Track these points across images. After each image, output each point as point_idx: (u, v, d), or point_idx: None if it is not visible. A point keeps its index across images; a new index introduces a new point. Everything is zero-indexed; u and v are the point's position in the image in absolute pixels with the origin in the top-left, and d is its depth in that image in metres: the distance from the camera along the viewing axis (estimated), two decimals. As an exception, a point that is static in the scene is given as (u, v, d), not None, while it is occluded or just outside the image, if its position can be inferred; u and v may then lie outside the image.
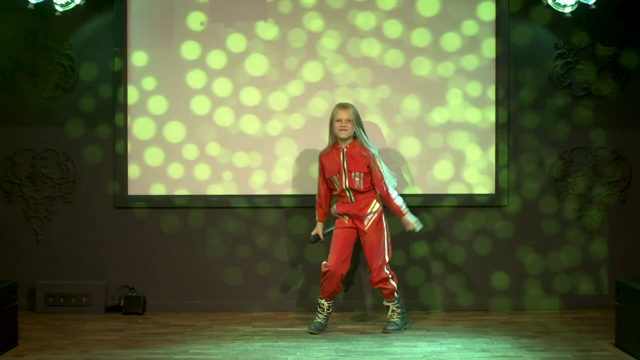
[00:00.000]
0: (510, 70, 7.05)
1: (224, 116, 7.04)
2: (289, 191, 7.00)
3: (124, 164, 7.02)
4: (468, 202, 7.08)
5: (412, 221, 6.35)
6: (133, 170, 7.04)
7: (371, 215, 6.33)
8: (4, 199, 7.06)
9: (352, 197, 6.31)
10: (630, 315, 5.69)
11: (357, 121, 6.31)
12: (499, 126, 7.05)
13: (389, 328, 6.40)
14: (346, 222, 6.36)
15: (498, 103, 7.05)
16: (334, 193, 6.42)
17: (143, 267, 7.07)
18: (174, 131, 7.03)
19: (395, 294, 6.40)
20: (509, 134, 7.07)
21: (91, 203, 7.07)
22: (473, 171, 7.09)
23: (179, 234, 7.07)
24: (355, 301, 7.02)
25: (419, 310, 7.04)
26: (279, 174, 7.02)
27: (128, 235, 7.07)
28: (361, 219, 6.32)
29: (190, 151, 7.03)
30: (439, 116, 7.06)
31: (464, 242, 7.10)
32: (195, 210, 7.05)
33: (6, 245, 7.06)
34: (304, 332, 6.39)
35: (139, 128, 7.03)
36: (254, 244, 7.08)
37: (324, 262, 6.32)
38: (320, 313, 6.41)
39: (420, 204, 7.05)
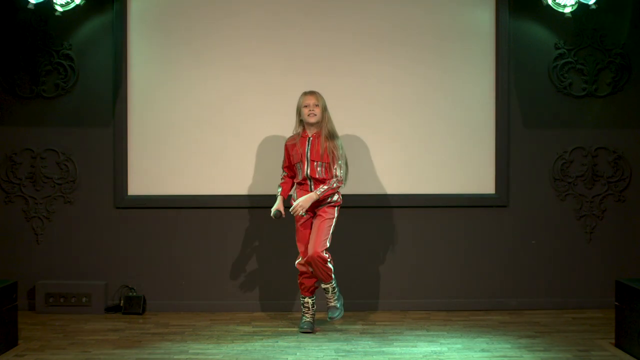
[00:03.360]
0: (510, 70, 7.05)
1: (224, 116, 7.04)
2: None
3: (124, 164, 7.02)
4: (468, 202, 7.08)
5: (298, 202, 6.19)
6: (133, 171, 7.04)
7: (325, 204, 6.29)
8: (4, 199, 7.06)
9: (312, 186, 6.29)
10: (630, 315, 5.69)
11: (324, 108, 6.31)
12: (499, 126, 7.06)
13: (335, 315, 6.33)
14: (304, 215, 6.28)
15: (498, 103, 7.05)
16: (295, 180, 6.39)
17: (143, 267, 7.07)
18: (174, 131, 7.04)
19: (333, 275, 6.25)
20: (509, 133, 7.07)
21: (91, 203, 7.07)
22: (473, 171, 7.09)
23: (178, 234, 7.07)
24: (355, 301, 7.01)
25: (419, 310, 7.05)
26: (279, 174, 7.00)
27: (128, 235, 7.07)
28: (318, 207, 6.30)
29: (190, 151, 7.04)
30: (438, 116, 7.06)
31: (463, 242, 7.10)
32: (195, 210, 7.05)
33: (6, 245, 7.06)
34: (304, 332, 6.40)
35: (139, 128, 7.03)
36: (255, 244, 7.08)
37: (297, 261, 6.34)
38: (307, 312, 6.42)
39: (420, 204, 7.06)
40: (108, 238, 7.08)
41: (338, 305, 6.36)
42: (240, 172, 7.04)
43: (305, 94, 6.34)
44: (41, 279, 7.01)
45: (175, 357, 5.71)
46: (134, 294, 7.02)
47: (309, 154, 6.28)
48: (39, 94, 7.01)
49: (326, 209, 6.29)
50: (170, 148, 7.04)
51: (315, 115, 6.26)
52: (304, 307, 6.42)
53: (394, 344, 6.06)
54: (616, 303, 5.90)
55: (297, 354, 5.82)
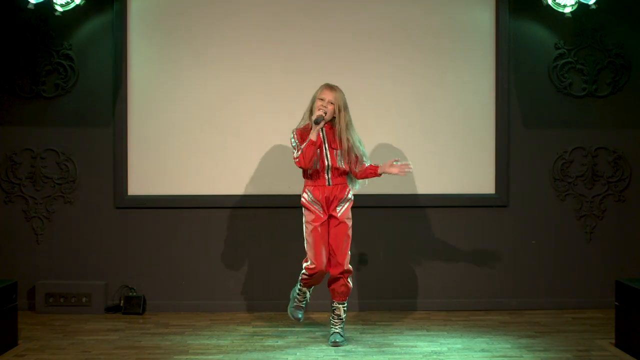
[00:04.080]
0: (510, 70, 7.05)
1: (224, 116, 7.04)
2: (289, 191, 6.98)
3: (124, 164, 7.02)
4: (468, 202, 7.08)
5: (393, 165, 6.00)
6: (133, 170, 7.04)
7: (344, 203, 6.03)
8: (4, 199, 7.06)
9: (330, 180, 5.99)
10: (630, 315, 5.69)
11: (343, 106, 5.96)
12: (499, 126, 7.06)
13: (338, 340, 5.99)
14: (320, 214, 5.96)
15: (498, 103, 7.06)
16: (304, 176, 6.07)
17: (143, 267, 7.07)
18: (174, 131, 7.04)
19: (347, 297, 6.10)
20: (509, 133, 7.07)
21: (91, 203, 7.07)
22: (473, 171, 7.09)
23: (179, 234, 7.07)
24: (355, 301, 7.01)
25: (419, 310, 7.05)
26: (279, 174, 7.01)
27: (128, 235, 7.07)
28: (335, 204, 5.98)
29: (190, 151, 7.04)
30: (439, 116, 7.07)
31: (463, 242, 7.10)
32: (195, 210, 7.05)
33: (6, 245, 7.06)
34: (304, 332, 6.39)
35: (139, 128, 7.03)
36: (254, 244, 7.08)
37: (307, 264, 5.97)
38: (301, 299, 6.15)
39: (421, 204, 7.06)
40: (108, 238, 7.07)
41: (342, 333, 6.07)
42: (240, 172, 7.04)
43: (326, 86, 6.00)
44: (41, 279, 7.01)
45: (175, 357, 5.71)
46: (134, 294, 7.02)
47: (326, 142, 5.98)
48: (39, 94, 7.01)
49: (347, 212, 6.01)
50: (170, 148, 7.04)
51: (326, 112, 5.93)
52: (300, 293, 6.13)
53: (394, 344, 6.05)
54: (616, 303, 5.90)
55: (297, 354, 5.82)
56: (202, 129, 7.03)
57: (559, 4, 6.68)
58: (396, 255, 7.09)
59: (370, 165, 6.09)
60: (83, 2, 6.68)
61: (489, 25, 7.05)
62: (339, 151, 5.99)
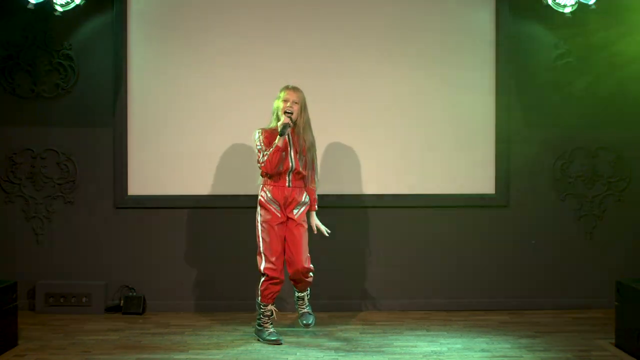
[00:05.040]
0: (510, 70, 7.05)
1: (224, 116, 7.04)
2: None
3: (124, 164, 7.02)
4: (468, 202, 7.08)
5: (320, 223, 6.23)
6: (133, 171, 7.04)
7: (301, 206, 6.12)
8: (4, 199, 7.06)
9: (290, 182, 6.07)
10: (630, 315, 5.69)
11: (304, 107, 6.09)
12: (499, 126, 7.06)
13: (310, 322, 6.20)
14: (278, 213, 6.04)
15: (498, 102, 7.06)
16: (265, 177, 6.10)
17: (143, 267, 7.07)
18: (174, 131, 7.04)
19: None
20: (509, 133, 7.07)
21: (91, 203, 7.07)
22: (473, 171, 7.09)
23: (178, 234, 7.07)
24: (354, 301, 7.02)
25: (419, 310, 7.05)
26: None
27: (128, 235, 7.07)
28: (293, 206, 6.07)
29: (190, 151, 7.03)
30: (438, 116, 7.06)
31: (463, 242, 7.10)
32: (195, 210, 7.05)
33: (6, 245, 7.06)
34: (304, 332, 6.39)
35: (139, 128, 7.03)
36: (254, 244, 7.06)
37: (266, 265, 6.02)
38: (270, 322, 6.15)
39: (420, 204, 7.06)
40: (108, 238, 7.07)
41: (311, 311, 6.23)
42: (240, 172, 7.03)
43: (288, 88, 6.11)
44: (41, 279, 7.01)
45: (175, 357, 5.71)
46: (134, 294, 7.02)
47: (291, 144, 6.04)
48: (39, 94, 7.01)
49: (303, 215, 6.11)
50: (170, 148, 7.04)
51: (292, 113, 6.02)
52: (264, 316, 6.11)
53: (394, 344, 6.05)
54: (616, 303, 5.90)
55: (297, 354, 5.82)
56: (203, 129, 7.03)
57: (559, 4, 6.68)
58: (396, 255, 7.09)
59: (315, 198, 6.22)
60: (83, 2, 6.67)
61: (489, 25, 7.05)
62: (302, 156, 6.07)
